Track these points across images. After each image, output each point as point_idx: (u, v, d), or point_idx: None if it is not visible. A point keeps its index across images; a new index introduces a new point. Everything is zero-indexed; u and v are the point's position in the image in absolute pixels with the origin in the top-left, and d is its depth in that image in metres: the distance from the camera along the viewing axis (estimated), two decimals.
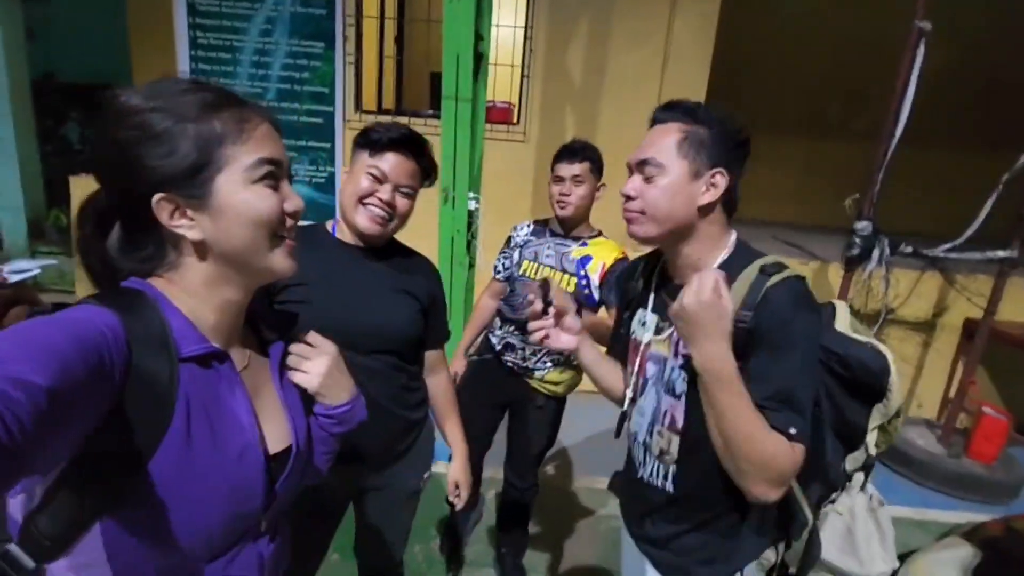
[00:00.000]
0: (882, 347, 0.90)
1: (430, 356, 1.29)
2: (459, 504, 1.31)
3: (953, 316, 3.32)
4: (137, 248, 0.59)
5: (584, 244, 1.67)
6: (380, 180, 1.08)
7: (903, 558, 1.67)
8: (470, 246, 2.72)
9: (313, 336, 0.75)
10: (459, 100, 2.42)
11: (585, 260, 1.64)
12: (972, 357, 2.85)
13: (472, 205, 2.66)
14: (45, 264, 1.81)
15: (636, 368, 1.01)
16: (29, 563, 0.49)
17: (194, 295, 0.59)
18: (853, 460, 0.94)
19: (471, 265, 2.79)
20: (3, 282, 1.27)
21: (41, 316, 0.49)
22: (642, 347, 1.00)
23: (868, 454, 0.92)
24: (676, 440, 0.94)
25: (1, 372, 0.39)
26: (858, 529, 0.96)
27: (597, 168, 1.64)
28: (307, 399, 0.75)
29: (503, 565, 1.96)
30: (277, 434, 0.67)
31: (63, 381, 0.42)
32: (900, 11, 2.87)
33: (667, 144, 0.88)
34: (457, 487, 1.30)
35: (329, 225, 1.18)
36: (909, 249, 2.66)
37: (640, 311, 1.03)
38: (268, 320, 0.73)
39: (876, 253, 2.62)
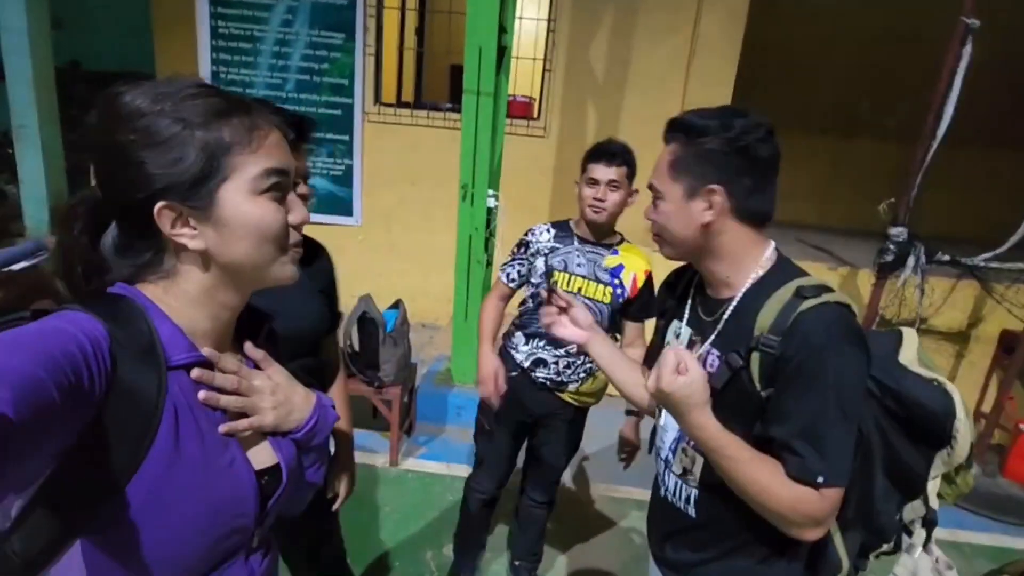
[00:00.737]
0: (950, 386, 0.82)
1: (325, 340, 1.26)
2: (337, 504, 1.25)
3: (989, 327, 3.18)
4: (135, 254, 0.57)
5: (615, 252, 1.58)
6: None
7: None
8: (488, 244, 2.68)
9: (241, 369, 0.64)
10: (480, 94, 2.37)
11: (618, 269, 1.57)
12: (1010, 372, 2.73)
13: (491, 203, 2.61)
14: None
15: None
16: None
17: (190, 303, 0.58)
18: (912, 510, 0.87)
19: (489, 263, 2.75)
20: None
21: (46, 315, 0.47)
22: None
23: (929, 506, 0.85)
24: (700, 460, 0.90)
25: None
26: None
27: (632, 174, 1.54)
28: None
29: None
30: (261, 451, 0.64)
31: (31, 408, 0.39)
32: (937, 5, 2.74)
33: (662, 168, 0.87)
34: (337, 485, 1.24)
35: None
36: (946, 258, 2.54)
37: (675, 322, 1.00)
38: (243, 323, 0.67)
39: (911, 260, 2.50)
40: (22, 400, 0.38)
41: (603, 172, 1.49)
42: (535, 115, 3.70)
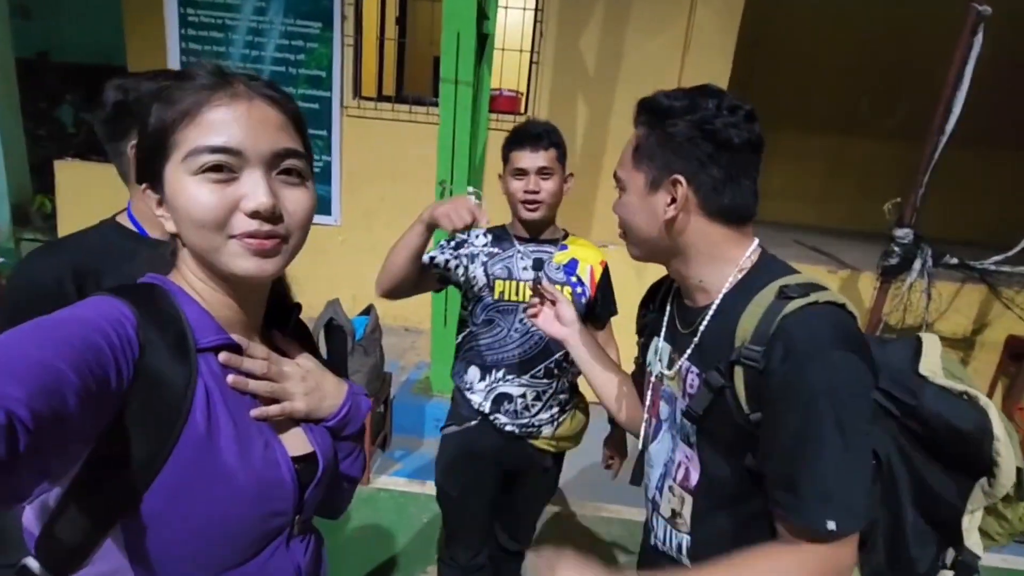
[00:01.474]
0: (984, 400, 0.67)
1: None
2: None
3: (995, 332, 3.07)
4: (166, 243, 0.60)
5: (563, 248, 1.36)
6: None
7: None
8: None
9: (265, 352, 0.64)
10: (459, 83, 2.21)
11: (572, 265, 1.36)
12: (1019, 381, 2.60)
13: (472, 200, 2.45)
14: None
15: (648, 406, 0.88)
16: None
17: (204, 288, 0.57)
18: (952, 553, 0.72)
19: None
20: None
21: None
22: (654, 382, 0.86)
23: (964, 547, 0.69)
24: (689, 501, 0.77)
25: None
26: None
27: (564, 155, 1.31)
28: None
29: None
30: (296, 439, 0.63)
31: (53, 402, 0.39)
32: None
33: (627, 154, 0.77)
34: None
35: None
36: (955, 261, 2.40)
37: (655, 339, 0.87)
38: (271, 314, 0.67)
39: (918, 263, 2.36)
40: (39, 397, 0.38)
41: (530, 160, 1.26)
42: (522, 110, 3.56)
